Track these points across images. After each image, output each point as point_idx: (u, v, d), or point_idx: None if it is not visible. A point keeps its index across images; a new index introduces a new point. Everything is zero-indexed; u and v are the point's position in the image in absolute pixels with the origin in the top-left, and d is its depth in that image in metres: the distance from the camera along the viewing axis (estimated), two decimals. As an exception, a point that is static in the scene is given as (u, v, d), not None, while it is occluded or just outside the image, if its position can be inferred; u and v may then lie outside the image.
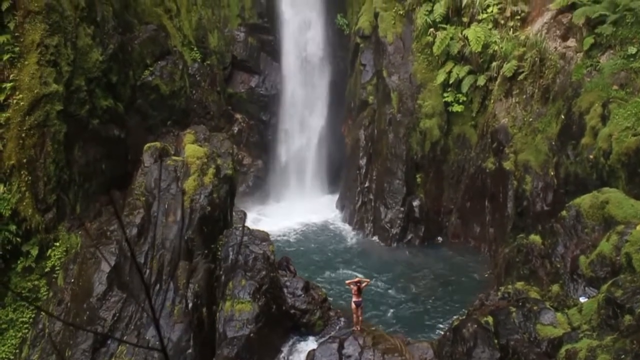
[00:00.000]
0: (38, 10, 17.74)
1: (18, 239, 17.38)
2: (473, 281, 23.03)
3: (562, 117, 22.45)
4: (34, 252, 17.71)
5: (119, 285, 17.37)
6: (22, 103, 17.45)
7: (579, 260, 17.48)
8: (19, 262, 17.62)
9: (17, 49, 17.59)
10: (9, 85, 17.39)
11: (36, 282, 17.82)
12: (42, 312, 17.24)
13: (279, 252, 21.14)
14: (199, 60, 27.50)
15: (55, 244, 18.20)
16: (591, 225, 18.03)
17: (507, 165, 23.76)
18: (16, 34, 17.63)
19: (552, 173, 22.43)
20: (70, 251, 18.21)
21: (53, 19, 18.04)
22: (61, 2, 18.45)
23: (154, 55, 24.17)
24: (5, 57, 17.40)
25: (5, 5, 17.50)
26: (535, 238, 19.76)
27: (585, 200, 18.49)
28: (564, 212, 18.97)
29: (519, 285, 18.53)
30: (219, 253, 18.21)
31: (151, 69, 23.97)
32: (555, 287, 17.71)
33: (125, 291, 17.28)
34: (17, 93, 17.46)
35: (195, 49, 27.48)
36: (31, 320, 17.43)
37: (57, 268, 18.00)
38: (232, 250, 18.09)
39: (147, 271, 17.28)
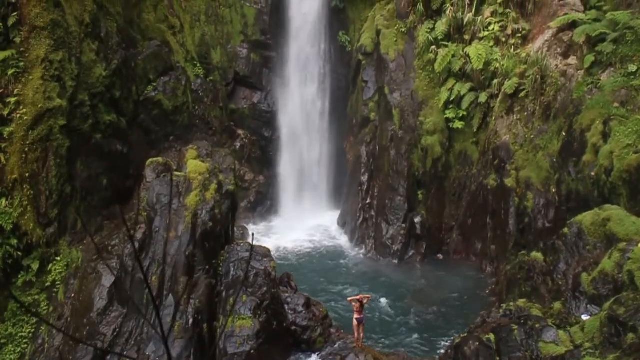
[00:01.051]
0: (43, 26, 17.90)
1: (19, 253, 17.38)
2: (475, 298, 22.92)
3: (564, 134, 22.50)
4: (35, 266, 17.69)
5: (120, 301, 17.32)
6: (25, 117, 17.54)
7: (581, 278, 17.42)
8: (19, 276, 17.60)
9: (21, 63, 17.72)
10: (13, 99, 17.50)
11: (36, 297, 17.77)
12: (41, 327, 17.17)
13: (280, 268, 21.09)
14: (202, 76, 27.66)
15: (56, 258, 18.18)
16: (593, 242, 18.00)
17: (509, 182, 23.79)
18: (21, 49, 17.78)
19: (553, 190, 22.43)
20: (71, 266, 18.18)
21: (58, 34, 18.20)
22: (66, 18, 18.62)
23: (157, 70, 24.31)
24: (10, 71, 17.52)
25: (11, 21, 17.66)
26: (536, 255, 19.72)
27: (586, 218, 18.47)
28: (565, 229, 18.95)
29: (521, 302, 18.43)
30: (220, 269, 18.16)
31: (154, 84, 24.10)
32: (557, 305, 17.63)
33: (126, 306, 17.22)
34: (21, 107, 17.56)
35: (198, 64, 27.66)
36: (30, 335, 17.36)
37: (58, 282, 17.97)
38: (233, 266, 18.05)
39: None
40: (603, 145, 20.42)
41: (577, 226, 18.53)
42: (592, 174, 20.55)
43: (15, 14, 17.75)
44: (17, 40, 17.77)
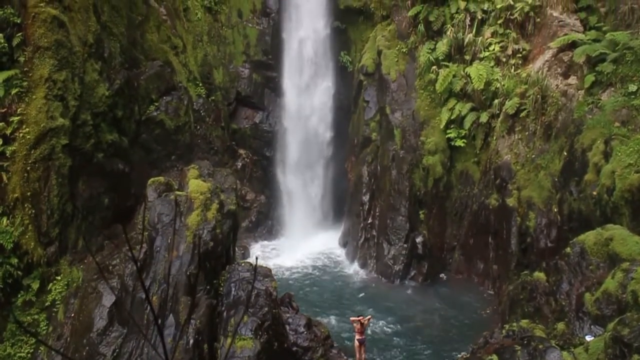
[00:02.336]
0: (47, 46, 18.02)
1: (19, 272, 17.30)
2: (477, 318, 22.75)
3: (565, 153, 22.52)
4: (35, 285, 17.60)
5: (120, 321, 17.19)
6: (28, 136, 17.59)
7: (584, 298, 17.30)
8: (19, 295, 17.50)
9: (25, 83, 17.82)
10: (16, 118, 17.56)
11: (36, 317, 17.65)
12: (40, 348, 17.03)
13: (281, 289, 20.96)
14: (204, 95, 27.78)
15: (56, 277, 18.09)
16: (596, 262, 17.91)
17: (511, 201, 23.75)
18: (25, 69, 17.89)
19: (555, 210, 22.38)
20: (72, 285, 18.09)
21: (62, 54, 18.32)
22: (70, 38, 18.76)
23: (160, 90, 24.42)
24: (14, 91, 17.62)
25: (16, 41, 17.81)
26: (539, 275, 19.60)
27: (589, 237, 18.40)
28: (568, 249, 18.86)
29: (524, 323, 18.28)
30: (221, 289, 18.05)
31: (156, 104, 24.18)
32: (560, 325, 17.48)
33: (126, 326, 17.09)
34: (24, 127, 17.62)
35: (200, 84, 27.80)
36: (29, 355, 17.20)
37: (58, 302, 17.86)
38: (234, 286, 17.94)
39: (148, 307, 17.11)
40: (604, 164, 20.42)
41: (580, 246, 18.45)
42: (594, 193, 20.52)
43: (19, 34, 17.91)
44: (21, 59, 17.90)
